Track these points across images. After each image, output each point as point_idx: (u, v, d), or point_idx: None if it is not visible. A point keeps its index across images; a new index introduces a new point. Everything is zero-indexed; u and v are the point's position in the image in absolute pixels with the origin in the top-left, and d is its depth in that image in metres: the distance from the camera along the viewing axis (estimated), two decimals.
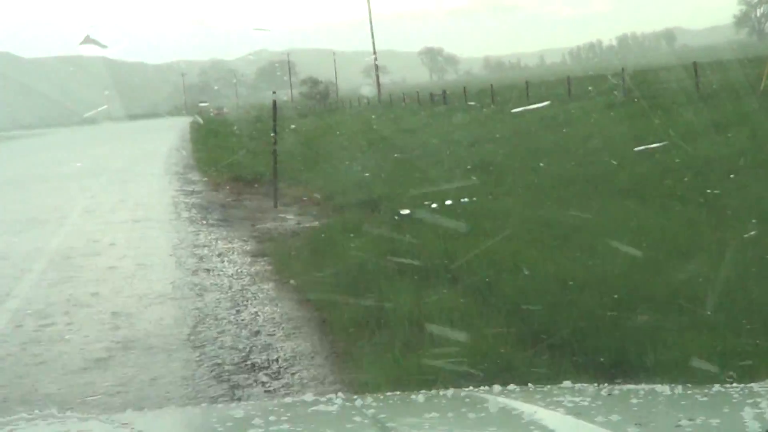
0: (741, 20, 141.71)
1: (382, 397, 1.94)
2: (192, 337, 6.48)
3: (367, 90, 54.77)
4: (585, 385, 1.93)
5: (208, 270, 9.06)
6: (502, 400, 1.72)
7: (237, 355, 5.98)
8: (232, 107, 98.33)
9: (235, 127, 39.10)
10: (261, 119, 26.38)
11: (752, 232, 6.79)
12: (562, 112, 23.51)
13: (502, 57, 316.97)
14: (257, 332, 6.57)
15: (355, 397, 1.91)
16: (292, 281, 8.15)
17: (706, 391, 1.77)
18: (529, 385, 2.08)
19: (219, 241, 11.00)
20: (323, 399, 1.84)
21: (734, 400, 1.68)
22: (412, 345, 5.43)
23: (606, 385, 1.90)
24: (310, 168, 17.26)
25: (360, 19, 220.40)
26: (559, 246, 7.56)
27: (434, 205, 9.93)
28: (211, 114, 72.78)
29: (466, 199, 10.24)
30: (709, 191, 9.24)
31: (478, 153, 16.77)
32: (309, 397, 1.87)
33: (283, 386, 5.30)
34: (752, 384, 1.79)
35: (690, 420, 1.49)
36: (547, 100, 27.64)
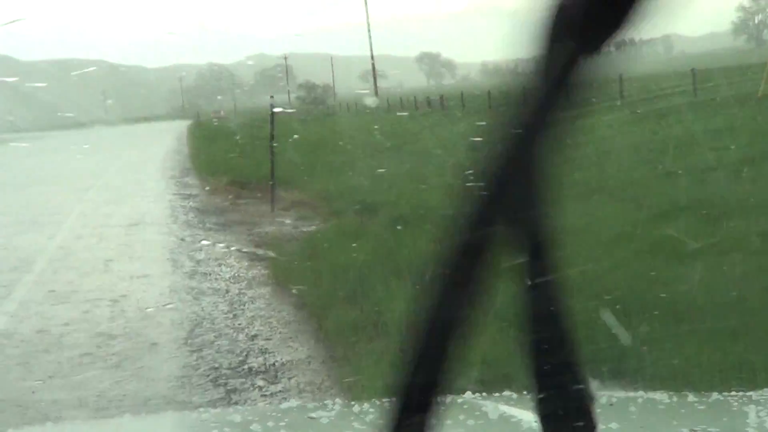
0: (739, 27, 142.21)
1: (379, 403, 1.93)
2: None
3: (370, 101, 54.93)
4: None
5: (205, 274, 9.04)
6: (502, 407, 1.72)
7: (234, 359, 5.97)
8: (230, 111, 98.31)
9: (232, 131, 39.08)
10: (258, 124, 26.35)
11: None
12: None
13: (500, 62, 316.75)
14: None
15: (353, 402, 1.90)
16: (288, 285, 8.14)
17: (705, 399, 1.77)
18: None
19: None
20: (321, 404, 1.83)
21: (734, 409, 1.68)
22: None
23: (605, 393, 1.90)
24: (307, 172, 17.23)
25: (357, 24, 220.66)
26: None
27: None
28: (212, 119, 72.80)
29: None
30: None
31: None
32: (307, 402, 1.86)
33: (280, 390, 5.29)
34: (751, 393, 1.79)
35: (690, 429, 1.49)
36: None
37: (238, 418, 1.79)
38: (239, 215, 13.86)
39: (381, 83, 63.75)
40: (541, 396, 0.84)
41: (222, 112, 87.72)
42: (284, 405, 1.75)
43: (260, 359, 5.96)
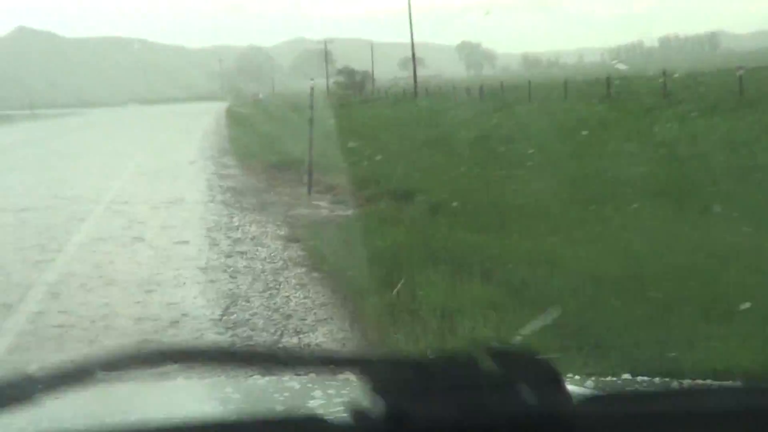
0: None
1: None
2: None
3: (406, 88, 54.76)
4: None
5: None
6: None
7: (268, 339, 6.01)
8: (268, 94, 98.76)
9: (270, 114, 39.28)
10: (297, 107, 26.41)
11: None
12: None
13: (540, 54, 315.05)
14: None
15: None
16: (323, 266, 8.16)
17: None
18: None
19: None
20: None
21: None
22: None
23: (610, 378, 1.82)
24: (345, 157, 17.24)
25: (397, 10, 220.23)
26: None
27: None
28: (250, 101, 73.23)
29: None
30: None
31: (515, 149, 16.59)
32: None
33: None
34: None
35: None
36: (585, 99, 27.38)
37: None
38: (276, 197, 13.94)
39: (420, 71, 63.50)
40: None
41: (260, 95, 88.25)
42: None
43: (294, 339, 5.99)
